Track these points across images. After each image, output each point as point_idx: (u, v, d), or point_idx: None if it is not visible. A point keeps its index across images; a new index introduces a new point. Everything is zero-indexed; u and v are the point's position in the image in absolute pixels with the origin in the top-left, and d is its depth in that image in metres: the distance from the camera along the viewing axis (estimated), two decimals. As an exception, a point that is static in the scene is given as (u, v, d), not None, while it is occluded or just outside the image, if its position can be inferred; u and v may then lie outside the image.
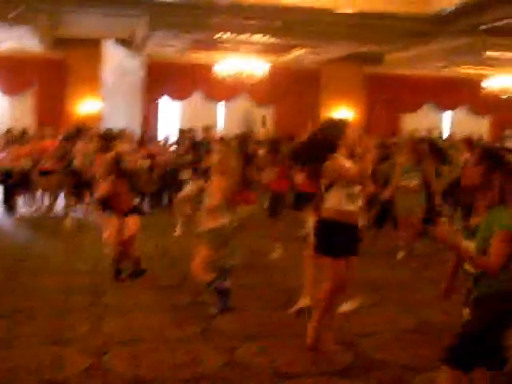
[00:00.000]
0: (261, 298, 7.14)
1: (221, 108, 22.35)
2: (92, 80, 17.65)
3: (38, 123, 19.77)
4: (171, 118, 21.95)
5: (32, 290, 7.22)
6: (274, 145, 10.29)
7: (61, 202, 13.32)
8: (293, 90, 21.75)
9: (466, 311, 3.88)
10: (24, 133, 14.82)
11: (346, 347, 5.51)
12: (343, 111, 21.52)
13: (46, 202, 13.62)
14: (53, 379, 4.69)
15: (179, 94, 21.72)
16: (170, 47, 18.89)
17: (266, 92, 21.17)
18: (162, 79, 20.89)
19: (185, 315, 6.40)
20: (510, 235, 3.57)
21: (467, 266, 3.79)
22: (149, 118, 20.72)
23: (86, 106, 19.76)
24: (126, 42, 18.46)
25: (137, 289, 7.39)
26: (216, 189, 6.55)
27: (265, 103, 21.93)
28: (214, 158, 7.01)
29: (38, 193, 13.79)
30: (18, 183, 13.39)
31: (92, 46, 17.55)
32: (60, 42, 19.11)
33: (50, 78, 20.18)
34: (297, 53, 19.64)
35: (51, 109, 20.28)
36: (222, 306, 6.44)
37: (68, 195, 12.74)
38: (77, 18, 16.09)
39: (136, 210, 8.23)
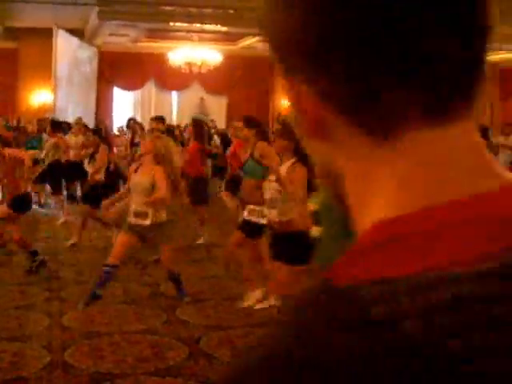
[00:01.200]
0: (221, 288, 7.15)
1: (174, 97, 22.24)
2: (44, 70, 17.35)
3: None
4: (125, 108, 21.77)
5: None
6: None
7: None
8: (245, 78, 21.75)
9: None
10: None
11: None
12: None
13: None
14: (14, 377, 4.64)
15: (133, 84, 21.55)
16: (123, 37, 18.73)
17: (218, 81, 21.14)
18: (115, 69, 20.71)
19: (146, 307, 6.38)
20: None
21: None
22: (103, 109, 20.49)
23: (38, 97, 19.48)
24: (78, 32, 18.22)
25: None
26: (160, 180, 6.23)
27: (217, 92, 21.90)
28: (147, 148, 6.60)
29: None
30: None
31: (44, 35, 17.25)
32: (11, 32, 18.78)
33: (2, 67, 19.81)
34: (249, 41, 19.63)
35: (3, 99, 19.93)
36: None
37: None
38: (28, 7, 15.83)
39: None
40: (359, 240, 0.55)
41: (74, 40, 17.96)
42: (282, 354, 0.49)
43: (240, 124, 8.54)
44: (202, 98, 21.25)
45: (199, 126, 10.48)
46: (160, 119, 12.66)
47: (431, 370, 0.46)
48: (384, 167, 0.56)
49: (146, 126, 14.98)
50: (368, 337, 0.47)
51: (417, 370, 0.46)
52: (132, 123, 14.46)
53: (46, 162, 11.60)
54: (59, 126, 12.34)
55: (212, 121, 18.05)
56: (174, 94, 22.20)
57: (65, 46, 16.64)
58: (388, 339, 0.47)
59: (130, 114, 20.66)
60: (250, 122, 7.14)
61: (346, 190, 0.61)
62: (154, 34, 18.62)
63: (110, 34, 18.33)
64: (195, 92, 21.75)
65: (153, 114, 18.24)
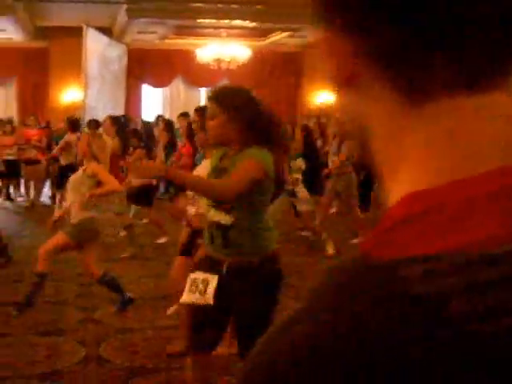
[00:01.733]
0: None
1: (203, 94, 22.26)
2: (74, 68, 17.50)
3: (21, 112, 19.68)
4: (154, 105, 21.87)
5: (22, 281, 7.18)
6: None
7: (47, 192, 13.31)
8: (274, 74, 21.70)
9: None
10: (9, 122, 14.74)
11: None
12: (326, 95, 21.48)
13: (32, 191, 13.62)
14: (50, 370, 4.70)
15: (161, 81, 21.63)
16: (151, 34, 18.80)
17: (247, 77, 21.07)
18: (143, 66, 20.83)
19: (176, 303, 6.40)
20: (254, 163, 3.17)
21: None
22: (132, 106, 20.61)
23: (68, 95, 19.66)
24: (106, 30, 18.34)
25: (130, 278, 7.35)
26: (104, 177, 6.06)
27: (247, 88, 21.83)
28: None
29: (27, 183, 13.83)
30: (5, 173, 13.44)
31: (74, 34, 17.40)
32: (41, 31, 18.98)
33: (33, 67, 20.06)
34: (278, 36, 19.59)
35: (34, 98, 20.19)
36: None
37: (53, 185, 12.71)
38: (57, 6, 15.98)
39: None
40: (390, 213, 0.55)
41: (104, 38, 18.07)
42: (326, 330, 0.49)
43: None
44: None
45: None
46: (186, 115, 12.67)
47: (481, 351, 0.45)
48: (414, 132, 0.56)
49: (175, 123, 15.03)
50: (414, 316, 0.47)
51: (467, 350, 0.45)
52: (160, 120, 14.49)
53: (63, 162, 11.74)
54: (77, 125, 12.41)
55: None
56: (203, 91, 22.20)
57: (94, 44, 16.75)
58: (436, 319, 0.46)
59: (159, 111, 20.81)
60: None
61: (374, 149, 0.60)
62: (181, 31, 18.64)
63: (139, 32, 18.41)
64: (224, 88, 21.72)
65: (181, 111, 18.31)
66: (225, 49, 18.49)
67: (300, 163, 8.99)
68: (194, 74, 20.92)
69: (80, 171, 6.08)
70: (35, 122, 15.26)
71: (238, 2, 15.54)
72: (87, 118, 15.34)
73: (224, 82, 21.39)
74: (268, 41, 20.31)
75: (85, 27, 15.93)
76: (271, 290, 3.19)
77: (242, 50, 18.77)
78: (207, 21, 17.36)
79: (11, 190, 14.22)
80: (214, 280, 3.08)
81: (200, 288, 3.08)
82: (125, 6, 15.78)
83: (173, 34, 18.97)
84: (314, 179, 9.38)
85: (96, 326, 5.66)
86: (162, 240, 9.28)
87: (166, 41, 19.90)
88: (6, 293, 6.71)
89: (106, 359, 4.90)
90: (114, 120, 10.77)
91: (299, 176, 8.88)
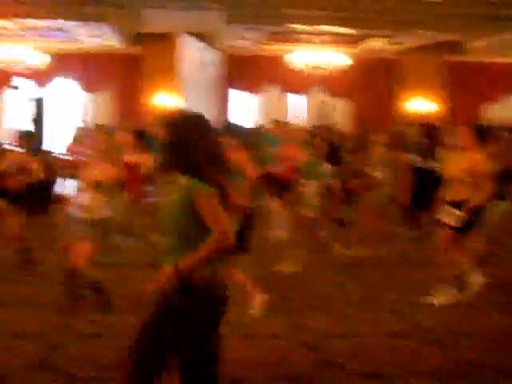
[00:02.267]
0: (346, 294, 6.96)
1: (296, 100, 22.17)
2: (169, 74, 17.75)
3: (117, 118, 20.12)
4: (248, 111, 21.93)
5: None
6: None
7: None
8: (367, 80, 21.39)
9: None
10: (106, 128, 15.10)
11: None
12: (421, 102, 21.00)
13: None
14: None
15: (255, 87, 21.63)
16: (246, 40, 18.86)
17: (340, 84, 20.88)
18: (238, 72, 20.91)
19: (270, 311, 6.30)
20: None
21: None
22: (225, 112, 20.69)
23: (162, 100, 19.93)
24: (201, 36, 18.51)
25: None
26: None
27: (339, 95, 21.65)
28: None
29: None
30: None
31: (169, 40, 17.65)
32: (137, 37, 19.35)
33: (129, 73, 20.48)
34: (373, 43, 19.30)
35: (129, 104, 20.60)
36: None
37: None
38: (154, 13, 16.23)
39: None
40: None
41: (199, 44, 18.24)
42: None
43: None
44: (323, 101, 21.07)
45: None
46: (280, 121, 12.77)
47: None
48: None
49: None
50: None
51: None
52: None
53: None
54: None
55: (334, 124, 17.88)
56: (297, 97, 22.11)
57: (190, 50, 16.93)
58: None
59: (253, 118, 20.86)
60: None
61: None
62: (276, 37, 18.62)
63: (234, 38, 18.49)
64: (317, 95, 21.61)
65: (275, 117, 18.30)
66: (319, 55, 18.35)
67: None
68: (288, 81, 20.84)
69: None
70: (131, 127, 15.49)
71: (332, 8, 15.38)
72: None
73: (318, 88, 21.30)
74: (361, 47, 20.05)
75: (181, 33, 16.11)
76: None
77: (337, 57, 18.59)
78: (301, 27, 17.28)
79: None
80: None
81: None
82: (221, 12, 15.88)
83: (267, 40, 18.98)
84: None
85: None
86: None
87: (261, 46, 19.91)
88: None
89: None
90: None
91: None
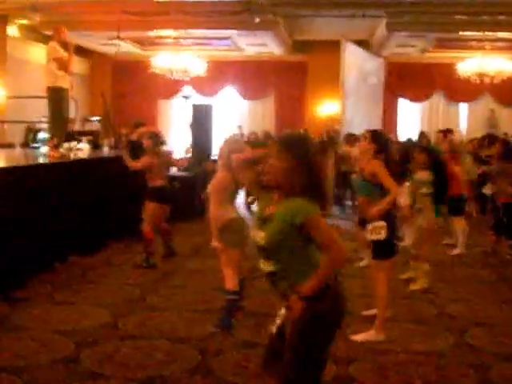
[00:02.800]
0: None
1: (463, 109, 21.48)
2: (331, 82, 17.76)
3: (279, 126, 20.45)
4: (411, 120, 21.53)
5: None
6: None
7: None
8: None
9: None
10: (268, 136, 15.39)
11: None
12: None
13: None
14: None
15: (419, 96, 21.20)
16: (411, 47, 18.54)
17: (510, 92, 20.01)
18: (401, 80, 20.60)
19: (432, 327, 6.10)
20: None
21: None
22: (388, 121, 20.41)
23: (325, 108, 20.02)
24: (364, 43, 18.41)
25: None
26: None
27: (510, 103, 20.73)
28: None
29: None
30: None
31: (331, 47, 17.69)
32: (300, 45, 19.57)
33: (291, 80, 20.74)
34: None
35: (291, 111, 20.86)
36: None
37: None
38: (316, 21, 16.34)
39: None
40: None
41: (361, 52, 18.11)
42: None
43: None
44: (492, 110, 20.25)
45: None
46: (448, 131, 12.42)
47: None
48: None
49: (433, 139, 14.63)
50: None
51: None
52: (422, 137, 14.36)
53: None
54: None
55: (505, 134, 17.12)
56: (462, 106, 21.42)
57: (352, 57, 16.83)
58: None
59: (417, 127, 20.43)
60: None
61: None
62: (442, 44, 18.15)
63: (398, 45, 18.23)
64: (485, 103, 20.81)
65: (440, 127, 17.82)
66: (488, 62, 17.66)
67: None
68: (454, 89, 20.27)
69: None
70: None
71: (505, 12, 14.74)
72: (344, 131, 15.50)
73: (485, 96, 20.52)
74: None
75: (343, 41, 16.07)
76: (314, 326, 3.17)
77: (507, 64, 17.80)
78: (470, 33, 16.73)
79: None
80: (282, 313, 3.27)
81: (276, 319, 3.31)
82: (384, 20, 15.71)
83: (433, 47, 18.54)
84: None
85: (347, 344, 5.51)
86: None
87: (426, 54, 19.49)
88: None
89: (354, 378, 4.75)
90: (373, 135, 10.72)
91: None
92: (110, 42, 17.61)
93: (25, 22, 16.53)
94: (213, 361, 5.02)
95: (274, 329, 3.30)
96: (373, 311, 5.92)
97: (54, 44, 9.40)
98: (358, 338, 5.54)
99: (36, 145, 12.49)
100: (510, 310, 6.74)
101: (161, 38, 17.72)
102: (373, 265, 5.84)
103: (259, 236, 3.20)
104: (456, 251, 9.62)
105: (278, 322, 3.29)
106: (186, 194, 10.72)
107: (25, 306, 6.38)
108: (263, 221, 3.23)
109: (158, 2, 14.36)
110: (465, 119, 21.46)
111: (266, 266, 3.25)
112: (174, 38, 17.95)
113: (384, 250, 5.57)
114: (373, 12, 15.18)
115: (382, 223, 5.49)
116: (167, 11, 14.37)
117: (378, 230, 5.50)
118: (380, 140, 5.87)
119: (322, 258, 3.14)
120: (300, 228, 3.09)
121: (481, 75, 17.74)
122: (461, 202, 9.56)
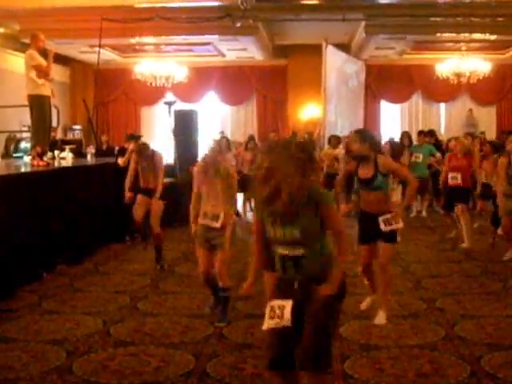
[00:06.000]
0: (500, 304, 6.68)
1: (441, 109, 21.67)
2: (312, 85, 17.88)
3: (262, 129, 20.51)
4: (392, 121, 21.67)
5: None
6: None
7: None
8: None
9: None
10: (251, 139, 15.43)
11: None
12: None
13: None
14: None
15: (399, 97, 21.37)
16: (389, 50, 18.68)
17: (487, 91, 20.29)
18: (381, 82, 20.77)
19: (422, 322, 6.17)
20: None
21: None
22: (370, 122, 20.54)
23: (307, 111, 20.11)
24: (344, 47, 18.54)
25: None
26: None
27: (487, 103, 20.99)
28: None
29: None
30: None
31: (311, 51, 17.83)
32: (280, 49, 19.67)
33: (272, 84, 20.80)
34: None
35: (273, 115, 20.94)
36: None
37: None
38: (296, 25, 16.43)
39: None
40: None
41: (342, 55, 18.24)
42: None
43: None
44: (470, 110, 20.47)
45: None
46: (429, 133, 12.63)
47: None
48: None
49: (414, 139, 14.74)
50: None
51: None
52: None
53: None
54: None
55: (482, 133, 17.32)
56: (441, 106, 21.62)
57: (333, 60, 16.93)
58: None
59: (397, 127, 20.57)
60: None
61: None
62: (420, 46, 18.34)
63: (377, 48, 18.38)
64: (463, 103, 21.04)
65: (420, 127, 18.00)
66: (465, 63, 17.91)
67: None
68: (433, 89, 20.48)
69: None
70: (276, 138, 15.72)
71: (478, 15, 14.99)
72: (327, 134, 15.58)
73: (463, 96, 20.75)
74: (509, 53, 19.36)
75: (324, 44, 16.16)
76: (336, 300, 3.49)
77: (483, 64, 18.06)
78: (447, 35, 16.92)
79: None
80: (288, 304, 3.45)
81: (277, 313, 3.45)
82: (363, 23, 15.83)
83: (411, 49, 18.72)
84: None
85: (341, 341, 5.55)
86: None
87: (405, 56, 19.67)
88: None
89: (350, 375, 4.79)
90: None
91: None
92: (90, 49, 17.54)
93: (3, 30, 16.42)
94: (208, 364, 5.02)
95: (288, 315, 3.42)
96: (368, 301, 6.39)
97: (32, 51, 9.35)
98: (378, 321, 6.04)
99: (18, 154, 12.41)
100: (495, 302, 6.86)
101: (142, 44, 17.69)
102: (386, 252, 6.11)
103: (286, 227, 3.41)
104: (464, 245, 9.98)
105: (288, 309, 3.43)
106: (172, 201, 10.71)
107: (13, 316, 6.32)
108: (277, 215, 3.42)
109: (138, 9, 14.36)
110: (443, 119, 21.65)
111: (292, 251, 3.46)
112: (155, 45, 17.94)
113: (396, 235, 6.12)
114: (352, 15, 15.29)
115: (394, 213, 5.96)
116: (148, 18, 14.36)
117: (396, 220, 5.95)
118: (370, 138, 6.16)
119: (340, 244, 3.50)
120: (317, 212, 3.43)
121: (458, 75, 17.96)
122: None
